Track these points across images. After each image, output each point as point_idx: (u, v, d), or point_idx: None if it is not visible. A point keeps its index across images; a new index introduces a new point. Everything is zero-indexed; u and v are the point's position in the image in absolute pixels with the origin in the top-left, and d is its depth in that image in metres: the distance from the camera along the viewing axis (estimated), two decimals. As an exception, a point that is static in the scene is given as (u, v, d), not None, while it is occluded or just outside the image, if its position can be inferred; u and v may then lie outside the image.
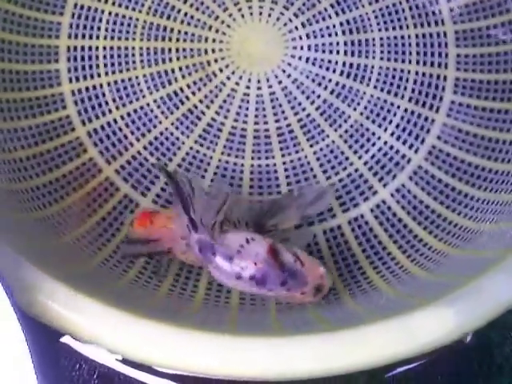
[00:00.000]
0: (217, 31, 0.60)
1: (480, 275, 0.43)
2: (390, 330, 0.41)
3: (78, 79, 0.58)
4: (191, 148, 0.57)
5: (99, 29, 0.59)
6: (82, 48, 0.59)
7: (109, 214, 0.54)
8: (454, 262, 0.51)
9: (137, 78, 0.58)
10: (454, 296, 0.42)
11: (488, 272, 0.43)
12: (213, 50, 0.59)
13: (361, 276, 0.52)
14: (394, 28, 0.60)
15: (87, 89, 0.58)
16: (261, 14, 0.60)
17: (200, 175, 0.56)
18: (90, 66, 0.58)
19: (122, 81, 0.58)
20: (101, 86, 0.58)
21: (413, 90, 0.59)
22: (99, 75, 0.58)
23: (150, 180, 0.56)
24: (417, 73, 0.59)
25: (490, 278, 0.43)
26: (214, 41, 0.59)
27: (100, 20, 0.59)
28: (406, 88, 0.59)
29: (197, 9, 0.60)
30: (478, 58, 0.59)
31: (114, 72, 0.58)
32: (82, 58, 0.58)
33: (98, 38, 0.59)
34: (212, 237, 0.46)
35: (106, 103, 0.57)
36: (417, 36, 0.60)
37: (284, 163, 0.57)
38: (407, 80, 0.59)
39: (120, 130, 0.57)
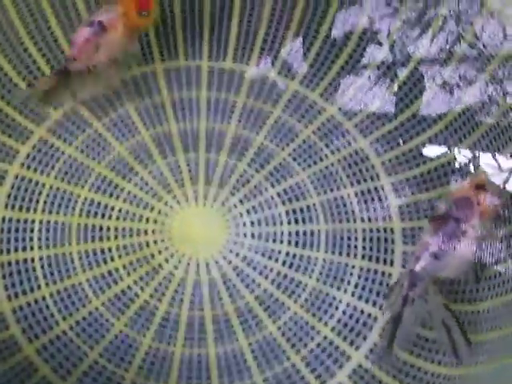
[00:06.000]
0: (155, 221, 0.72)
1: None
2: None
3: (16, 295, 0.67)
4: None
5: (32, 239, 0.70)
6: (17, 262, 0.68)
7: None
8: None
9: (80, 283, 0.68)
10: None
11: None
12: (155, 242, 0.71)
13: None
14: (331, 190, 0.74)
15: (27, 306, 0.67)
16: (196, 197, 0.73)
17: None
18: (29, 279, 0.68)
19: (65, 289, 0.68)
20: (43, 298, 0.67)
21: (364, 248, 0.71)
22: (39, 287, 0.68)
23: (72, 363, 0.65)
24: (364, 230, 0.72)
25: None
26: (153, 232, 0.71)
27: (31, 230, 0.70)
28: (356, 247, 0.71)
29: (130, 202, 0.72)
30: (420, 205, 0.73)
31: (54, 282, 0.68)
32: (19, 272, 0.68)
33: (32, 248, 0.70)
34: None
35: (52, 315, 0.67)
36: (356, 194, 0.74)
37: (250, 344, 0.67)
38: (356, 239, 0.72)
39: (72, 340, 0.66)
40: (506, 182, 0.66)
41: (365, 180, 0.75)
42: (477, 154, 0.72)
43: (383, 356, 0.66)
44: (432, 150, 0.75)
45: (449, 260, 0.63)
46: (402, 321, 0.62)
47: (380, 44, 0.77)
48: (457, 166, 0.73)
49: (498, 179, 0.68)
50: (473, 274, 0.66)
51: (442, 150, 0.74)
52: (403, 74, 0.76)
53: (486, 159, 0.71)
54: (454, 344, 0.62)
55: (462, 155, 0.73)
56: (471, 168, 0.72)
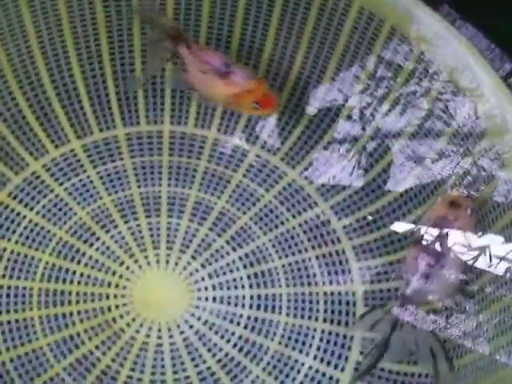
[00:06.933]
0: (117, 286, 0.74)
1: None
2: None
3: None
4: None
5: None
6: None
7: None
8: None
9: (41, 348, 0.70)
10: None
11: None
12: (116, 306, 0.73)
13: None
14: (293, 253, 0.77)
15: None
16: (158, 261, 0.76)
17: None
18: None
19: (26, 354, 0.70)
20: (3, 363, 0.69)
21: (325, 311, 0.74)
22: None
23: None
24: (325, 293, 0.75)
25: None
26: (115, 296, 0.73)
27: (-8, 296, 0.72)
28: (318, 310, 0.74)
29: (92, 267, 0.75)
30: (381, 268, 0.76)
31: (15, 346, 0.70)
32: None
33: (-9, 314, 0.71)
34: None
35: (12, 381, 0.68)
36: (317, 257, 0.77)
37: (212, 409, 0.69)
38: (317, 302, 0.75)
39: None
40: (475, 259, 0.69)
41: (326, 243, 0.78)
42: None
43: (363, 376, 0.70)
44: (393, 214, 0.79)
45: (438, 280, 0.67)
46: (389, 346, 0.65)
47: (348, 117, 0.81)
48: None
49: (468, 256, 0.70)
50: (461, 294, 0.69)
51: (403, 213, 0.78)
52: (370, 145, 0.80)
53: (455, 237, 0.73)
54: (438, 373, 0.65)
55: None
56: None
